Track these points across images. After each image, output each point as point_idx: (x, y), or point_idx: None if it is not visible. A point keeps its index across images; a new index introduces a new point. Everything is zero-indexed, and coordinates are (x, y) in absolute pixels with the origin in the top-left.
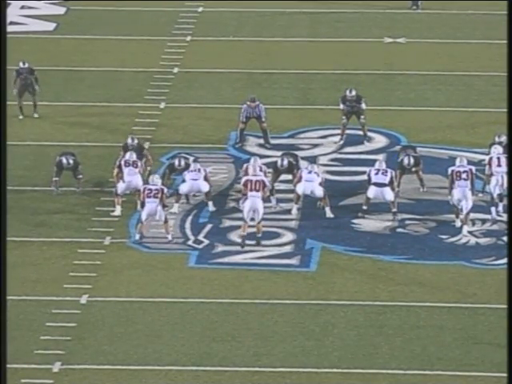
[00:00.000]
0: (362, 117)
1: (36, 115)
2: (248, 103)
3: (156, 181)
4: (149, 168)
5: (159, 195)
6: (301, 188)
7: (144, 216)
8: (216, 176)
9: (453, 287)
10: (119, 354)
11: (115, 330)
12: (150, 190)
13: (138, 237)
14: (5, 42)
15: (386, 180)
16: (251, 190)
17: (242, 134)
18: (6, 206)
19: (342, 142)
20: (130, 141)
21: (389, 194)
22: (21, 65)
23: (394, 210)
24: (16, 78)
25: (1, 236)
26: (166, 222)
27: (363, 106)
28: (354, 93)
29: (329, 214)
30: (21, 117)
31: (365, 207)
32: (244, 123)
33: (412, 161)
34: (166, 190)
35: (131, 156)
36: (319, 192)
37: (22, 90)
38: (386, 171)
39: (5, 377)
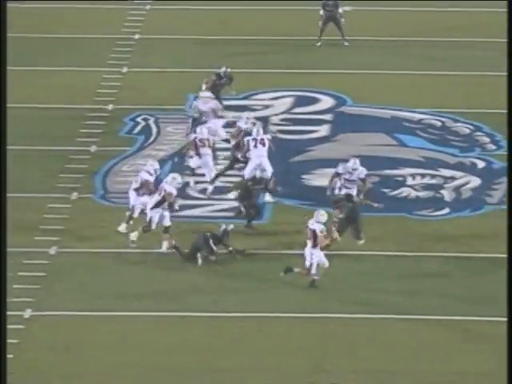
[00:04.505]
0: (343, 20)
1: None
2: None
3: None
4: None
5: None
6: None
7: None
8: (175, 135)
9: (395, 237)
10: (87, 301)
11: (82, 278)
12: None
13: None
14: (5, 42)
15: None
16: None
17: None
18: (6, 206)
19: (319, 44)
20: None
21: None
22: None
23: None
24: None
25: (1, 237)
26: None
27: (340, 10)
28: None
29: (268, 198)
30: None
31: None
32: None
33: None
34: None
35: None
36: (268, 172)
37: None
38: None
39: (5, 374)
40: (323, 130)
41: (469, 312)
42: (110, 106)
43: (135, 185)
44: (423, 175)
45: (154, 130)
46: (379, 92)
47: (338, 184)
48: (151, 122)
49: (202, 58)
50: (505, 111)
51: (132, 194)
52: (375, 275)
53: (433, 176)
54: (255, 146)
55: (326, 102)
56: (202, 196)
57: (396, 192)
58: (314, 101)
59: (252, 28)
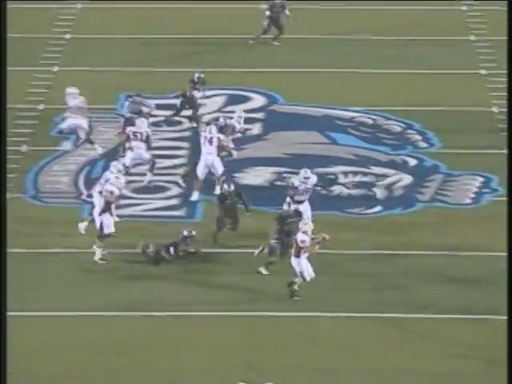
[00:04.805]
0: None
1: None
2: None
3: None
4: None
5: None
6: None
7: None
8: (107, 134)
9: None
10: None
11: (13, 278)
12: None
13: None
14: (5, 42)
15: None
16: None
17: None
18: (6, 207)
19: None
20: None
21: None
22: None
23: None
24: None
25: (1, 237)
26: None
27: (287, 12)
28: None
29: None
30: None
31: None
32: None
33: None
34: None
35: None
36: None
37: None
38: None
39: (5, 374)
40: (255, 129)
41: (400, 310)
42: (41, 106)
43: (99, 187)
44: (355, 173)
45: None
46: (311, 90)
47: (288, 199)
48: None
49: (133, 58)
50: (436, 108)
51: (96, 196)
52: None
53: (365, 174)
54: (204, 144)
55: (258, 100)
56: (134, 195)
57: (328, 190)
58: (246, 99)
59: (185, 27)
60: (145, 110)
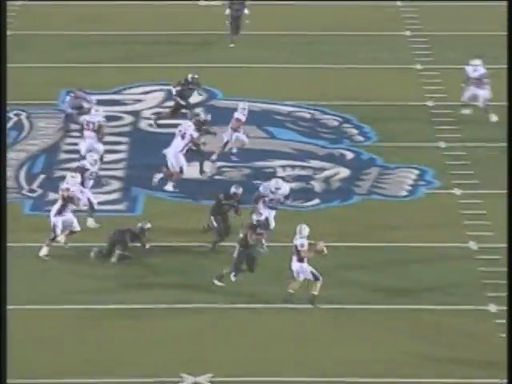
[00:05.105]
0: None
1: None
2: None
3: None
4: None
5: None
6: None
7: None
8: (48, 130)
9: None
10: None
11: None
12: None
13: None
14: (5, 42)
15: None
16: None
17: None
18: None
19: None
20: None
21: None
22: None
23: (214, 157)
24: None
25: (1, 237)
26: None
27: (246, 11)
28: None
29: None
30: None
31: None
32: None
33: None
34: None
35: None
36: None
37: None
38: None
39: (5, 374)
40: None
41: (339, 301)
42: None
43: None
44: (293, 167)
45: (27, 125)
46: (249, 85)
47: (262, 206)
48: (23, 117)
49: (74, 54)
50: (373, 103)
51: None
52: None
53: (303, 167)
54: (176, 137)
55: (197, 95)
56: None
57: (266, 183)
58: None
59: (125, 23)
60: (86, 105)
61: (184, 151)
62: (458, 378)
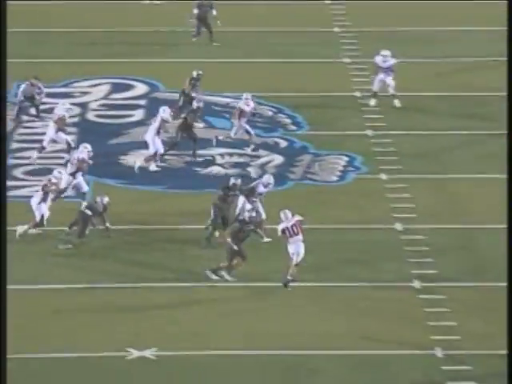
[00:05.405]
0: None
1: None
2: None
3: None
4: None
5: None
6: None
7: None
8: None
9: (207, 212)
10: None
11: None
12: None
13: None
14: (5, 42)
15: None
16: (291, 236)
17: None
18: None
19: (194, 39)
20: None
21: None
22: None
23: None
24: None
25: (1, 236)
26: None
27: (214, 12)
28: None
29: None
30: None
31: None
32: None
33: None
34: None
35: None
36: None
37: None
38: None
39: (5, 374)
40: (138, 115)
41: (271, 279)
42: None
43: (71, 168)
44: (231, 154)
45: None
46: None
47: (248, 206)
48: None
49: (27, 48)
50: (305, 94)
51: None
52: (190, 244)
53: (240, 155)
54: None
55: (140, 88)
56: (27, 177)
57: (207, 170)
58: (129, 87)
59: (77, 20)
60: (37, 96)
61: (158, 134)
62: (388, 350)
